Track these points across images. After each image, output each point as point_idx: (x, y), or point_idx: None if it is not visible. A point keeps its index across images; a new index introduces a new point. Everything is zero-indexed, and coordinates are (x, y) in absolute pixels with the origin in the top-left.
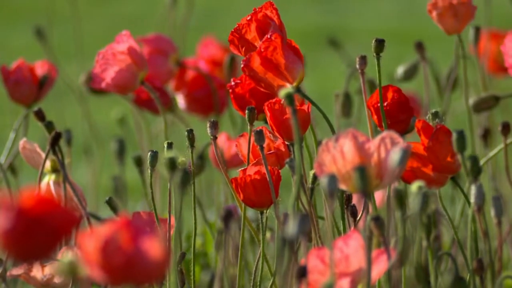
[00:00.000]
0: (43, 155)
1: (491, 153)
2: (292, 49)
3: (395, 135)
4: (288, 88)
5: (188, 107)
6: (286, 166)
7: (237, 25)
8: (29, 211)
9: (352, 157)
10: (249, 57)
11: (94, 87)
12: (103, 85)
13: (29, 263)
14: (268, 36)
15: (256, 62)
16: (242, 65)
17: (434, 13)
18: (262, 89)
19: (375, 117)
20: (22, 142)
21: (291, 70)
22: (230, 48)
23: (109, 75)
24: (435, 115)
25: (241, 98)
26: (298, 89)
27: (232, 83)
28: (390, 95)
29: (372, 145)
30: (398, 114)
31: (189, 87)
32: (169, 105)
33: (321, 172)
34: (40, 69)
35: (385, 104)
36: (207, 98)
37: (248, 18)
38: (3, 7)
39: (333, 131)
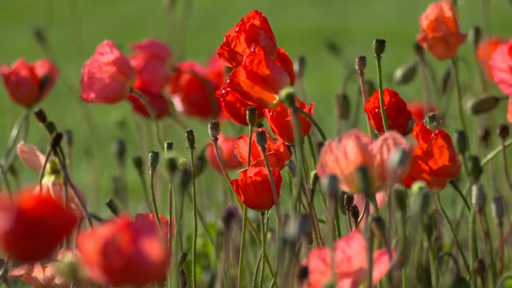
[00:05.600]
0: (42, 157)
1: (490, 155)
2: (281, 56)
3: (397, 135)
4: (288, 89)
5: (186, 110)
6: (286, 167)
7: (225, 38)
8: (29, 212)
9: (355, 158)
10: (234, 73)
11: (83, 99)
12: (92, 98)
13: (29, 264)
14: (252, 50)
15: (242, 77)
16: (228, 81)
17: (425, 44)
18: (250, 103)
19: (372, 121)
20: (19, 145)
21: (278, 81)
22: (221, 61)
23: (97, 88)
24: (432, 118)
25: (233, 106)
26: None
27: (223, 91)
28: (387, 99)
29: (375, 146)
30: (396, 118)
31: (185, 91)
32: (167, 109)
33: (323, 173)
34: (40, 69)
35: None
36: (204, 101)
37: (236, 29)
38: (4, 9)
39: (323, 137)
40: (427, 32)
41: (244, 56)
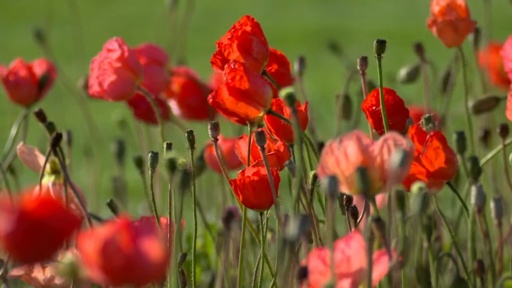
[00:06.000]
0: (42, 157)
1: (489, 155)
2: (278, 58)
3: (398, 136)
4: (288, 88)
5: (182, 114)
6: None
7: (218, 46)
8: (31, 213)
9: (355, 159)
10: (216, 91)
11: (91, 95)
12: (102, 95)
13: (31, 265)
14: (232, 66)
15: (225, 94)
16: (210, 101)
17: (434, 29)
18: (235, 120)
19: (370, 119)
20: (19, 146)
21: (262, 94)
22: (214, 69)
23: (107, 85)
24: (428, 120)
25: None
26: (270, 111)
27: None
28: (384, 97)
29: (376, 147)
30: (393, 116)
31: (181, 94)
32: (167, 114)
33: (324, 174)
34: (38, 68)
35: (380, 107)
36: (201, 104)
37: (229, 37)
38: (4, 9)
39: (311, 145)
40: (437, 16)
41: (224, 73)
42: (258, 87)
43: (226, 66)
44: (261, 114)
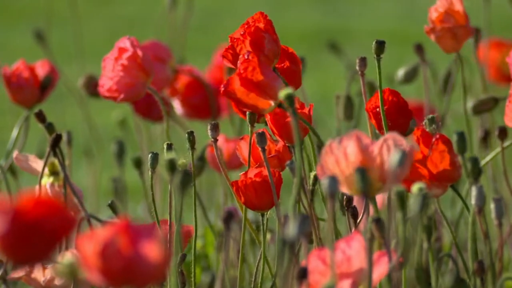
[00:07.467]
0: (39, 162)
1: (489, 157)
2: (289, 55)
3: (398, 136)
4: (287, 89)
5: (185, 113)
6: (287, 168)
7: (230, 40)
8: (26, 214)
9: (355, 159)
10: (228, 81)
11: (102, 95)
12: (114, 94)
13: (27, 266)
14: (246, 57)
15: (237, 84)
16: (222, 90)
17: (433, 36)
18: (245, 110)
19: (373, 121)
20: (15, 154)
21: (273, 87)
22: (224, 62)
23: (121, 87)
24: (431, 120)
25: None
26: (280, 105)
27: None
28: (388, 98)
29: (376, 147)
30: (396, 118)
31: (184, 93)
32: (168, 112)
33: (323, 174)
34: (41, 69)
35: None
36: (204, 103)
37: (242, 32)
38: (4, 9)
39: (320, 140)
40: (435, 23)
41: (238, 63)
42: (270, 79)
43: (240, 56)
44: (271, 106)
